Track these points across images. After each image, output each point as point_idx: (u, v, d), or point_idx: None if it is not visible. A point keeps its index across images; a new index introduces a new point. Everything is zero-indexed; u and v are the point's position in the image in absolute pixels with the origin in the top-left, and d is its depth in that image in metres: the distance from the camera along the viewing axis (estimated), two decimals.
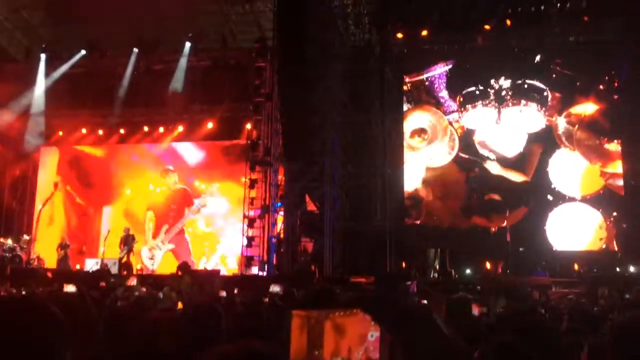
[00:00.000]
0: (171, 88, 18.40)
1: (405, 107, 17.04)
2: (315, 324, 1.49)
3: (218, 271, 15.59)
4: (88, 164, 20.09)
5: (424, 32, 16.22)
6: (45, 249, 18.12)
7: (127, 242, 17.08)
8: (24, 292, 10.37)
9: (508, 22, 15.62)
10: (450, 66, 16.79)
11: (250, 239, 15.80)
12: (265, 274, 14.89)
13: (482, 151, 16.39)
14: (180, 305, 6.00)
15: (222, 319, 3.40)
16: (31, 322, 1.99)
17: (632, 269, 13.43)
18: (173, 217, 18.71)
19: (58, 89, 18.81)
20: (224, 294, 8.96)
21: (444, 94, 16.87)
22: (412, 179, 16.54)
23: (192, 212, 18.39)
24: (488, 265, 15.15)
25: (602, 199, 15.57)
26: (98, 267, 15.76)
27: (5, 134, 18.58)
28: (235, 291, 10.87)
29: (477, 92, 16.18)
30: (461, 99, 16.45)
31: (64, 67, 19.00)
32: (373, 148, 15.68)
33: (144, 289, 10.84)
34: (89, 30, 17.77)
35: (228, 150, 18.76)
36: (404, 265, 15.01)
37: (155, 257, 18.17)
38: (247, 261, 15.71)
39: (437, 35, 16.32)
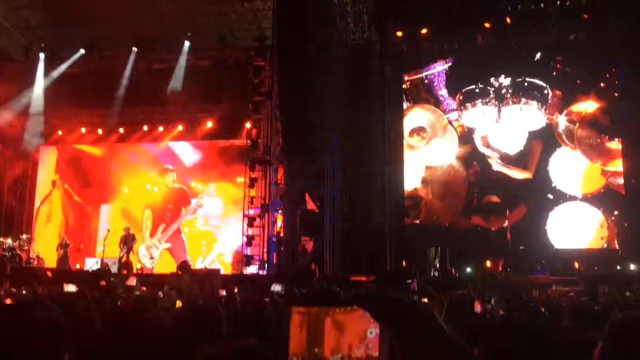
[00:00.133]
0: (170, 87, 18.40)
1: (404, 105, 17.03)
2: (315, 320, 1.48)
3: (218, 270, 15.58)
4: (87, 163, 20.10)
5: (424, 31, 16.22)
6: (44, 247, 18.14)
7: (127, 241, 17.09)
8: (24, 292, 10.37)
9: (508, 20, 15.61)
10: (449, 64, 16.77)
11: (250, 238, 15.81)
12: (265, 273, 14.90)
13: (483, 149, 16.37)
14: (179, 303, 5.98)
15: (222, 318, 3.39)
16: (30, 325, 1.99)
17: (632, 266, 13.42)
18: (170, 216, 18.67)
19: (57, 89, 18.81)
20: (224, 293, 8.96)
21: (443, 92, 16.84)
22: (412, 178, 16.53)
23: (189, 212, 18.37)
24: (488, 264, 15.14)
25: (603, 198, 15.55)
26: (98, 266, 15.75)
27: (4, 133, 18.58)
28: (236, 290, 10.87)
29: (477, 90, 16.18)
30: (461, 97, 16.44)
31: (63, 67, 19.01)
32: (373, 147, 15.67)
33: (144, 288, 10.84)
34: (88, 30, 17.76)
35: (224, 151, 18.76)
36: (404, 264, 15.02)
37: (154, 256, 18.16)
38: (247, 260, 15.72)
39: (436, 34, 16.32)
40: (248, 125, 17.49)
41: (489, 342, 2.54)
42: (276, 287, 8.72)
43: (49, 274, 14.61)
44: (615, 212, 15.28)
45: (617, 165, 15.43)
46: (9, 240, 16.77)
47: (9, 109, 18.51)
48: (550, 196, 15.80)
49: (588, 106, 15.92)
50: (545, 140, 16.06)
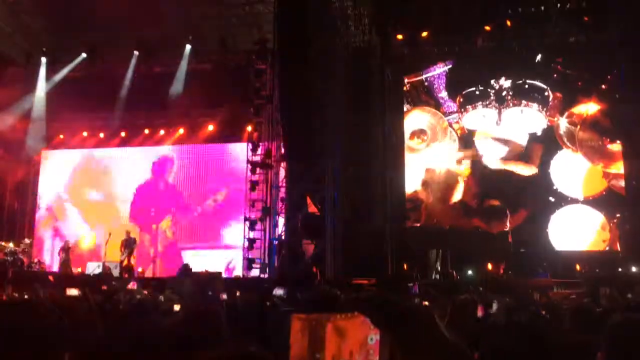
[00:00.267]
0: (172, 91, 18.42)
1: (404, 108, 17.01)
2: (316, 327, 1.49)
3: (219, 274, 15.57)
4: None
5: (424, 34, 16.22)
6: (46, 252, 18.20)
7: (128, 245, 17.09)
8: (26, 296, 10.38)
9: (508, 22, 15.61)
10: (449, 66, 16.75)
11: (251, 241, 15.81)
12: (266, 276, 14.89)
13: (484, 148, 16.35)
14: (176, 307, 5.98)
15: (223, 322, 3.39)
16: (30, 325, 2.00)
17: (633, 268, 13.39)
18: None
19: (59, 93, 18.82)
20: (225, 296, 8.96)
21: (443, 94, 16.83)
22: (412, 181, 16.50)
23: None
24: (490, 266, 15.12)
25: (605, 201, 15.51)
26: (100, 270, 15.75)
27: (6, 137, 18.59)
28: (238, 294, 10.87)
29: (477, 93, 16.16)
30: (461, 100, 16.42)
31: (65, 71, 19.04)
32: (374, 149, 15.67)
33: (145, 292, 10.84)
34: (89, 34, 17.78)
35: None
36: (405, 267, 15.00)
37: None
38: (249, 263, 15.71)
39: (437, 36, 16.32)
40: (249, 128, 17.50)
41: (490, 344, 2.54)
42: (278, 291, 8.72)
43: (51, 278, 14.63)
44: (617, 215, 15.23)
45: (619, 168, 15.37)
46: (11, 245, 16.79)
47: (11, 113, 18.52)
48: (552, 199, 15.77)
49: (589, 108, 15.90)
50: (546, 143, 16.03)
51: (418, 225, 16.52)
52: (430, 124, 16.75)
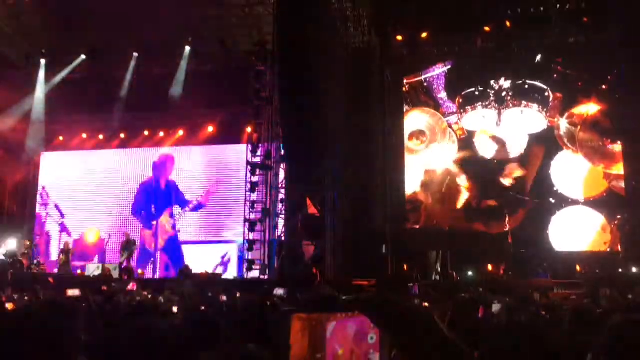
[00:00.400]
0: (171, 92, 18.43)
1: (404, 108, 16.98)
2: (317, 327, 1.49)
3: (219, 275, 15.58)
4: None
5: (424, 35, 16.23)
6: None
7: (128, 246, 17.10)
8: (26, 298, 10.37)
9: (508, 23, 15.61)
10: (449, 67, 16.74)
11: (251, 243, 15.81)
12: (266, 277, 14.89)
13: (482, 152, 16.33)
14: (176, 308, 5.98)
15: (222, 323, 3.39)
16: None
17: (634, 269, 13.39)
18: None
19: (58, 94, 18.82)
20: (224, 298, 8.95)
21: (442, 95, 16.80)
22: (411, 182, 16.48)
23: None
24: (490, 267, 15.12)
25: (606, 202, 15.46)
26: (99, 272, 15.74)
27: (6, 139, 18.59)
28: (238, 295, 10.86)
29: (477, 93, 16.14)
30: (460, 101, 16.40)
31: (64, 73, 19.04)
32: (374, 150, 15.68)
33: (145, 293, 10.84)
34: (88, 35, 17.78)
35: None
36: (405, 268, 14.99)
37: None
38: (249, 265, 15.71)
39: (436, 37, 16.33)
40: (249, 129, 17.51)
41: (490, 344, 2.54)
42: (278, 292, 8.72)
43: (51, 279, 14.62)
44: (618, 216, 15.19)
45: (620, 169, 15.31)
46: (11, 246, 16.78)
47: (11, 114, 18.52)
48: (552, 200, 15.74)
49: (589, 109, 15.87)
50: (546, 144, 16.01)
51: (417, 226, 16.49)
52: (429, 125, 16.70)
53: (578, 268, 14.31)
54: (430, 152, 16.58)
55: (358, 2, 16.12)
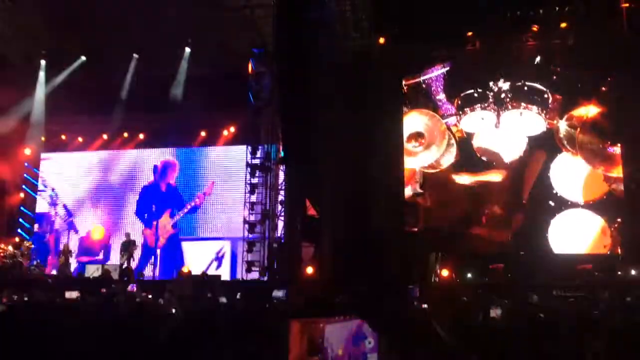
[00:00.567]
0: (171, 94, 18.45)
1: (403, 110, 16.94)
2: (315, 330, 1.50)
3: (219, 276, 15.60)
4: None
5: (423, 37, 16.21)
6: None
7: (128, 247, 17.13)
8: (26, 299, 10.39)
9: (508, 24, 15.62)
10: (447, 68, 16.73)
11: (250, 244, 15.83)
12: (266, 279, 14.91)
13: (482, 156, 16.34)
14: (173, 310, 5.99)
15: (221, 324, 3.41)
16: None
17: (633, 272, 13.38)
18: None
19: (59, 95, 18.85)
20: (224, 299, 8.98)
21: (441, 96, 16.76)
22: (409, 185, 16.46)
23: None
24: (489, 270, 15.11)
25: (606, 205, 15.35)
26: (99, 273, 15.76)
27: (6, 140, 18.61)
28: (238, 296, 10.89)
29: (476, 95, 16.11)
30: (459, 102, 16.38)
31: (65, 74, 19.07)
32: (373, 152, 15.67)
33: (145, 295, 10.86)
34: (88, 37, 17.80)
35: None
36: (404, 270, 14.97)
37: None
38: (248, 266, 15.73)
39: (436, 39, 16.31)
40: (249, 131, 17.51)
41: (489, 347, 2.55)
42: (277, 294, 8.74)
43: (50, 281, 14.65)
44: (618, 219, 15.16)
45: (620, 172, 15.19)
46: (10, 248, 16.80)
47: (11, 115, 18.55)
48: (552, 203, 15.70)
49: (589, 110, 15.82)
50: (545, 146, 15.98)
51: (416, 229, 16.46)
52: (427, 126, 16.64)
53: (577, 270, 14.27)
54: (429, 154, 16.54)
55: (357, 4, 16.14)
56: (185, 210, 18.96)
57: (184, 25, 17.08)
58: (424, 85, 16.97)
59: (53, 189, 18.35)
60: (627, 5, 14.98)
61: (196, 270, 16.03)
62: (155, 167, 19.58)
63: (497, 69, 16.01)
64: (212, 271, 17.51)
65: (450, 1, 14.88)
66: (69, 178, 20.04)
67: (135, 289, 12.21)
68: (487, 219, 15.98)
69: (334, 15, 15.68)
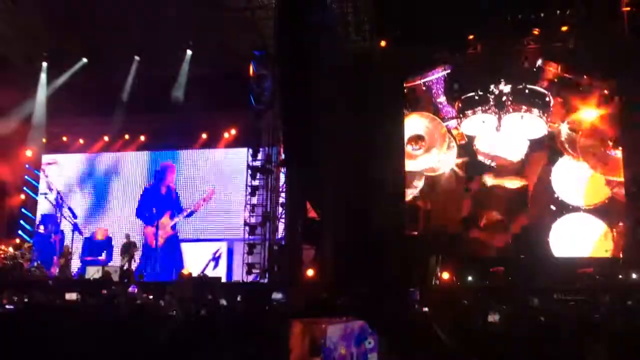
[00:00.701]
0: (172, 96, 18.46)
1: (404, 113, 16.93)
2: (316, 330, 1.50)
3: (219, 279, 15.59)
4: None
5: (425, 39, 16.22)
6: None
7: (128, 249, 17.13)
8: (26, 300, 10.39)
9: (509, 27, 15.63)
10: (448, 71, 16.73)
11: (251, 246, 15.83)
12: (266, 281, 14.90)
13: (481, 158, 16.30)
14: (176, 311, 5.99)
15: (221, 325, 3.41)
16: None
17: (634, 275, 13.35)
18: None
19: (60, 97, 18.87)
20: (224, 302, 8.98)
21: (442, 99, 16.76)
22: (410, 188, 16.44)
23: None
24: (490, 272, 15.09)
25: (608, 209, 15.27)
26: (100, 274, 15.75)
27: (6, 141, 18.62)
28: (239, 298, 10.89)
29: (477, 98, 16.10)
30: (460, 105, 16.37)
31: (66, 76, 19.09)
32: (373, 155, 15.68)
33: (145, 296, 10.86)
34: (89, 37, 17.82)
35: None
36: (404, 273, 14.96)
37: None
38: (249, 268, 15.72)
39: (437, 41, 16.32)
40: (249, 133, 17.51)
41: (489, 351, 2.55)
42: (277, 296, 8.74)
43: (50, 282, 14.64)
44: (620, 224, 15.09)
45: (622, 175, 15.15)
46: (11, 249, 16.81)
47: (12, 117, 18.56)
48: (553, 207, 15.64)
49: (591, 114, 15.78)
50: (547, 150, 15.95)
51: (416, 232, 16.44)
52: (428, 129, 16.62)
53: (578, 274, 14.23)
54: (429, 157, 16.52)
55: (359, 6, 16.16)
56: (183, 215, 19.05)
57: (184, 26, 17.10)
58: (423, 88, 16.96)
59: (58, 192, 18.41)
60: (628, 8, 15.01)
61: (194, 270, 16.12)
62: (155, 170, 19.67)
63: (498, 72, 16.01)
64: (209, 271, 17.58)
65: (451, 4, 14.88)
66: (71, 179, 20.06)
67: (135, 291, 12.20)
68: (485, 224, 15.95)
69: (335, 17, 15.72)
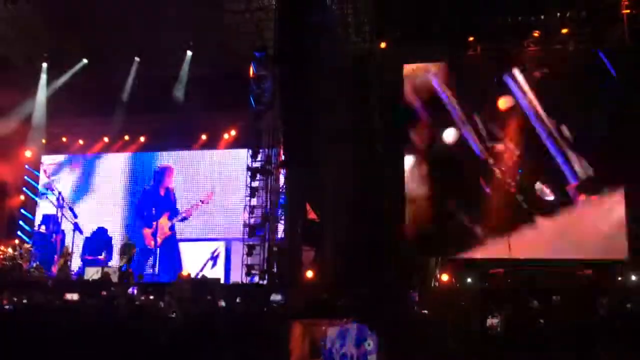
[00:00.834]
0: (173, 97, 18.48)
1: None
2: (317, 332, 1.51)
3: (218, 280, 15.59)
4: None
5: (424, 41, 16.23)
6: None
7: (127, 249, 17.13)
8: (25, 301, 10.40)
9: (509, 30, 15.66)
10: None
11: (250, 247, 15.82)
12: (265, 282, 14.89)
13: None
14: (176, 313, 6.00)
15: (221, 327, 3.41)
16: None
17: (633, 277, 13.35)
18: None
19: (60, 97, 18.88)
20: (223, 303, 8.98)
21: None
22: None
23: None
24: (489, 274, 15.09)
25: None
26: (99, 275, 15.75)
27: (6, 142, 18.63)
28: (238, 300, 10.88)
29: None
30: None
31: (66, 77, 19.10)
32: (374, 156, 15.69)
33: (144, 297, 10.86)
34: (90, 39, 17.84)
35: None
36: (404, 274, 14.97)
37: None
38: (248, 270, 15.71)
39: (437, 44, 16.33)
40: (249, 134, 17.51)
41: (489, 352, 2.55)
42: (276, 297, 8.73)
43: (49, 283, 14.64)
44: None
45: None
46: (10, 250, 16.80)
47: (12, 117, 18.58)
48: (547, 205, 15.67)
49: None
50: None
51: (416, 233, 16.44)
52: None
53: (577, 275, 14.24)
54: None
55: (359, 8, 16.17)
56: (177, 219, 19.12)
57: (185, 26, 17.12)
58: None
59: (59, 192, 18.44)
60: (628, 11, 15.03)
61: (192, 270, 16.14)
62: (154, 171, 19.69)
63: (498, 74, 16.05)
64: (207, 270, 17.66)
65: (451, 6, 14.90)
66: (71, 179, 20.12)
67: (135, 292, 12.21)
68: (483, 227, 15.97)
69: (335, 19, 15.74)
